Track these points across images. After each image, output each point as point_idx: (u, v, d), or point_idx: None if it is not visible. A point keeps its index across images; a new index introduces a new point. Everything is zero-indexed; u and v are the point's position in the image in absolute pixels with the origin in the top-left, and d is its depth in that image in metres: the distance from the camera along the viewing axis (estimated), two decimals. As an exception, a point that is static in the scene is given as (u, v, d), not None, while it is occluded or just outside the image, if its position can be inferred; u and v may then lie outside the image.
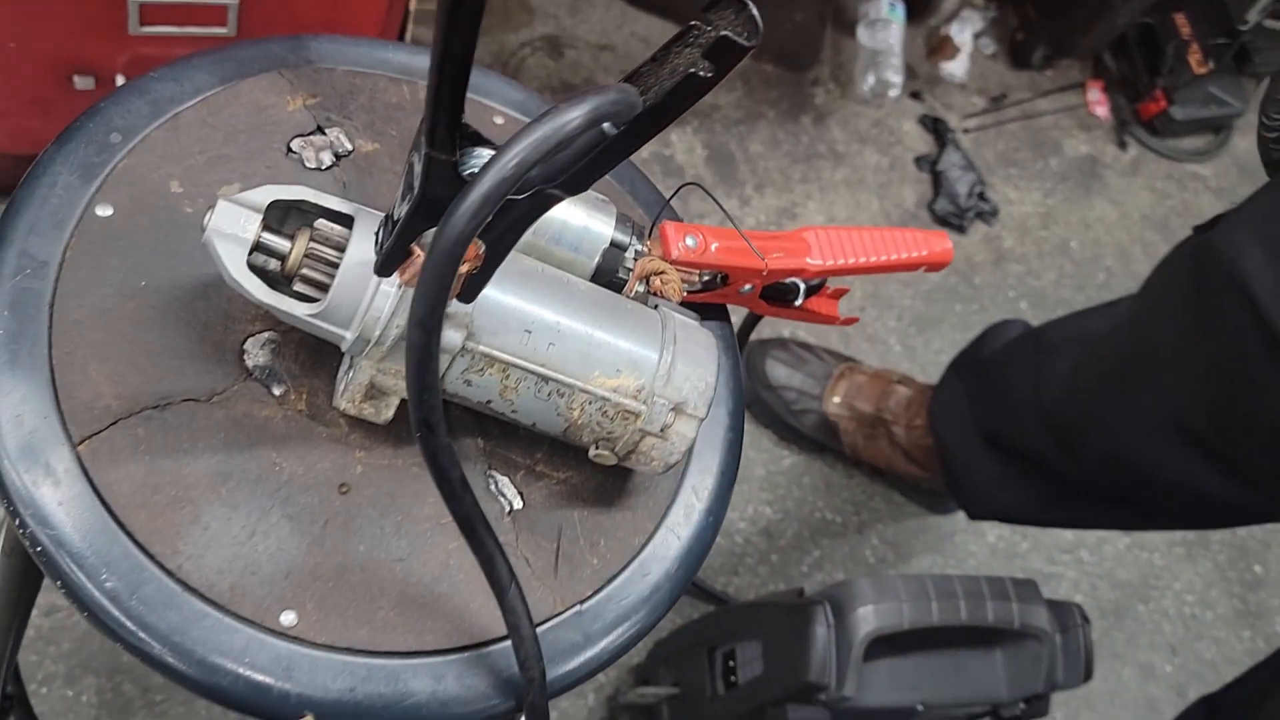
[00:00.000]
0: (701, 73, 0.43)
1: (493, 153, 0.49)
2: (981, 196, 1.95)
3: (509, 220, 0.49)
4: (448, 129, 0.45)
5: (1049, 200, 2.04)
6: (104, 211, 0.63)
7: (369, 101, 0.72)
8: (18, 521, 0.56)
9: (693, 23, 0.44)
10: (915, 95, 2.02)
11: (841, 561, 1.62)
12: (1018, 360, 1.30)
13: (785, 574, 1.58)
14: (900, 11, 1.95)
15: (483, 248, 0.52)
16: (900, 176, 1.95)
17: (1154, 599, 1.77)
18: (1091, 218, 2.05)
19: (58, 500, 0.56)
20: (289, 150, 0.69)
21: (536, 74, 1.81)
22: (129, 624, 0.55)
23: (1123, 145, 2.14)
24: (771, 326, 1.71)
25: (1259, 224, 0.92)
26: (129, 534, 0.57)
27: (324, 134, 0.70)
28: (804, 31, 1.89)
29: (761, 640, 1.15)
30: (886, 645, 1.11)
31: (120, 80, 1.27)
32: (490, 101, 0.76)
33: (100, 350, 0.60)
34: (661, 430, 0.60)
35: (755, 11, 0.42)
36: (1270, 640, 1.78)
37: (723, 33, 0.41)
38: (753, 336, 1.68)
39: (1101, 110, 2.16)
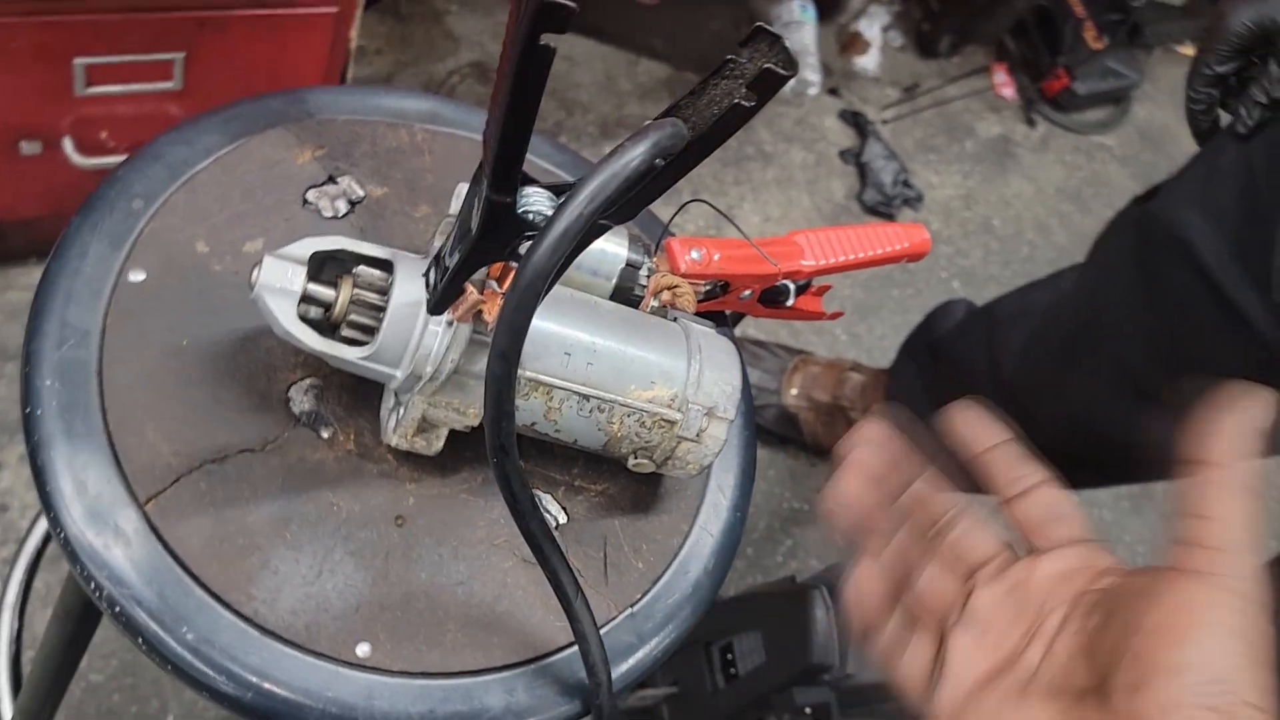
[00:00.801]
0: (744, 102, 0.46)
1: (540, 190, 0.52)
2: (906, 184, 2.03)
3: (561, 252, 0.52)
4: (510, 175, 0.48)
5: (968, 181, 2.12)
6: (137, 277, 0.65)
7: (371, 148, 0.75)
8: (92, 584, 0.58)
9: (729, 57, 0.48)
10: (833, 91, 2.09)
11: (814, 548, 1.67)
12: (970, 337, 1.37)
13: (762, 565, 1.63)
14: (811, 12, 2.02)
15: (532, 280, 0.55)
16: (827, 171, 2.01)
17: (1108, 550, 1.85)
18: (1009, 195, 2.15)
19: (130, 560, 0.58)
20: (305, 201, 0.71)
21: (468, 100, 1.83)
22: (212, 673, 0.57)
23: (1031, 123, 2.24)
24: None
25: (1196, 190, 0.99)
26: (203, 585, 0.59)
27: (336, 183, 0.72)
28: (721, 39, 1.95)
29: (761, 630, 1.19)
30: (880, 621, 1.16)
31: (68, 142, 1.27)
32: (455, 130, 0.79)
33: (153, 411, 0.62)
34: (697, 435, 0.64)
35: (788, 44, 0.46)
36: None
37: (766, 65, 0.45)
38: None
39: (1008, 91, 2.25)
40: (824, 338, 1.83)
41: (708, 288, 0.75)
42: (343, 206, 0.71)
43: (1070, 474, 1.36)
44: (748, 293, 0.76)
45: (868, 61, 2.12)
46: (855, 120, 2.06)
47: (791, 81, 1.99)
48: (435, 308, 0.57)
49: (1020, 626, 0.47)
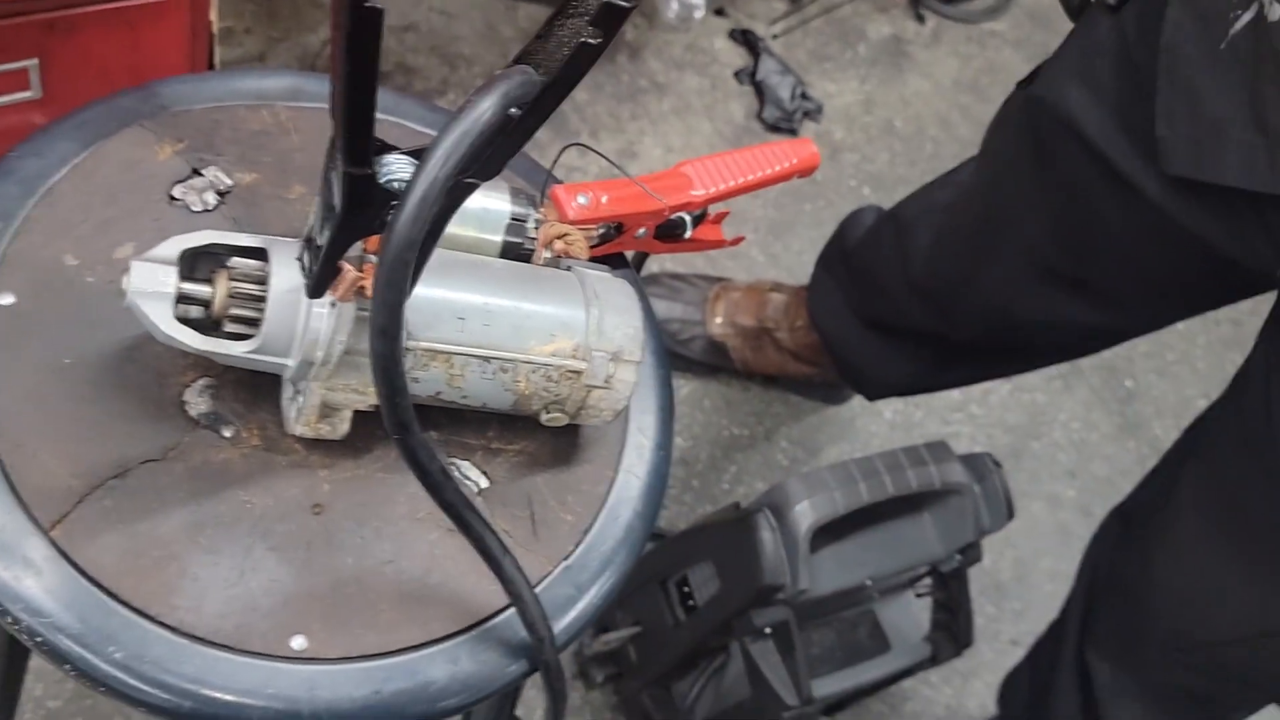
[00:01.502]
0: (591, 40, 0.45)
1: (401, 157, 0.51)
2: (804, 96, 2.02)
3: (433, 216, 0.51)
4: (362, 146, 0.47)
5: (865, 86, 2.12)
6: (6, 300, 0.63)
7: (234, 134, 0.72)
8: (9, 619, 0.56)
9: (569, -4, 0.46)
10: (719, 12, 2.07)
11: (758, 471, 1.69)
12: (880, 243, 1.37)
13: (709, 495, 1.65)
14: (688, -66, 1.99)
15: (409, 249, 0.54)
16: (724, 94, 2.00)
17: (1044, 434, 1.89)
18: (908, 94, 2.15)
19: (44, 588, 0.56)
20: (172, 199, 0.69)
21: (351, 69, 1.79)
22: (146, 688, 0.56)
23: (920, 19, 2.23)
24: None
25: (1075, 67, 1.00)
26: (123, 602, 0.57)
27: (201, 175, 0.70)
28: (602, -27, 1.91)
29: (712, 560, 1.21)
30: (827, 534, 1.18)
31: (-66, 166, 1.22)
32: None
33: (44, 434, 0.60)
34: (605, 381, 0.64)
35: (627, -25, 0.45)
36: (1153, 445, 1.93)
37: (605, 0, 0.44)
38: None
39: (894, -10, 2.24)
40: (741, 261, 1.83)
41: (601, 231, 0.74)
42: (212, 199, 0.69)
43: (996, 364, 1.39)
44: (643, 231, 0.75)
45: (750, -23, 2.10)
46: (745, 39, 2.04)
47: (675, 6, 1.97)
48: (313, 291, 0.55)
49: None
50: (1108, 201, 0.99)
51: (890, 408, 1.80)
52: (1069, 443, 1.90)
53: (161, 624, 0.58)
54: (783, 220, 1.90)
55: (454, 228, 0.65)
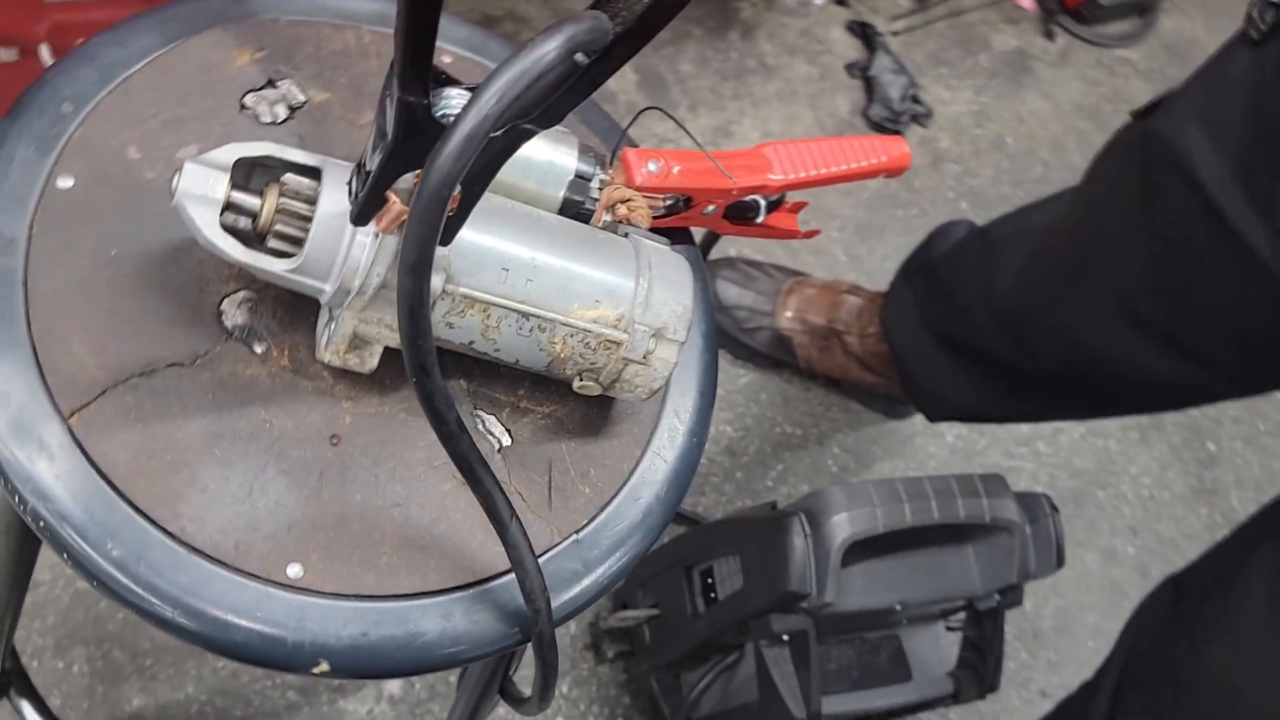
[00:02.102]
0: (672, -4, 0.43)
1: (463, 92, 0.49)
2: (915, 99, 1.97)
3: (485, 159, 0.50)
4: (420, 72, 0.45)
5: (981, 97, 2.06)
6: (65, 183, 0.62)
7: (315, 51, 0.71)
8: (16, 498, 0.56)
9: (658, -53, 0.44)
10: (841, 2, 2.02)
11: (804, 473, 1.65)
12: (967, 260, 1.33)
13: (750, 490, 1.62)
14: (822, -81, 1.95)
15: (458, 189, 0.52)
16: (832, 85, 1.95)
17: (1112, 484, 1.83)
18: (1024, 111, 2.08)
19: (54, 474, 0.56)
20: (243, 106, 0.68)
21: (455, 9, 1.78)
22: (139, 590, 0.56)
23: (1050, 36, 2.16)
24: (718, 247, 1.72)
25: (1200, 107, 0.94)
26: (129, 502, 0.57)
27: (276, 87, 0.69)
28: (729, -54, 1.88)
29: (739, 555, 1.18)
30: (863, 549, 1.15)
31: (44, 50, 1.23)
32: (454, 47, 0.76)
33: (80, 322, 0.59)
34: (644, 357, 0.62)
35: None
36: (1228, 515, 1.85)
37: (690, -44, 0.42)
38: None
39: (1027, 2, 2.17)
40: (823, 259, 1.80)
41: (669, 202, 0.72)
42: (282, 112, 0.68)
43: (1067, 403, 1.33)
44: (712, 208, 0.73)
45: (879, -29, 2.05)
46: (863, 32, 1.99)
47: (798, -9, 1.93)
48: (357, 218, 0.54)
49: None
50: (1213, 254, 0.94)
51: (953, 432, 1.75)
52: (1136, 498, 1.83)
53: (163, 529, 0.57)
54: (872, 223, 1.86)
55: (515, 178, 0.64)
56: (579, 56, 0.45)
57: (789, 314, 1.61)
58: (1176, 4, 2.32)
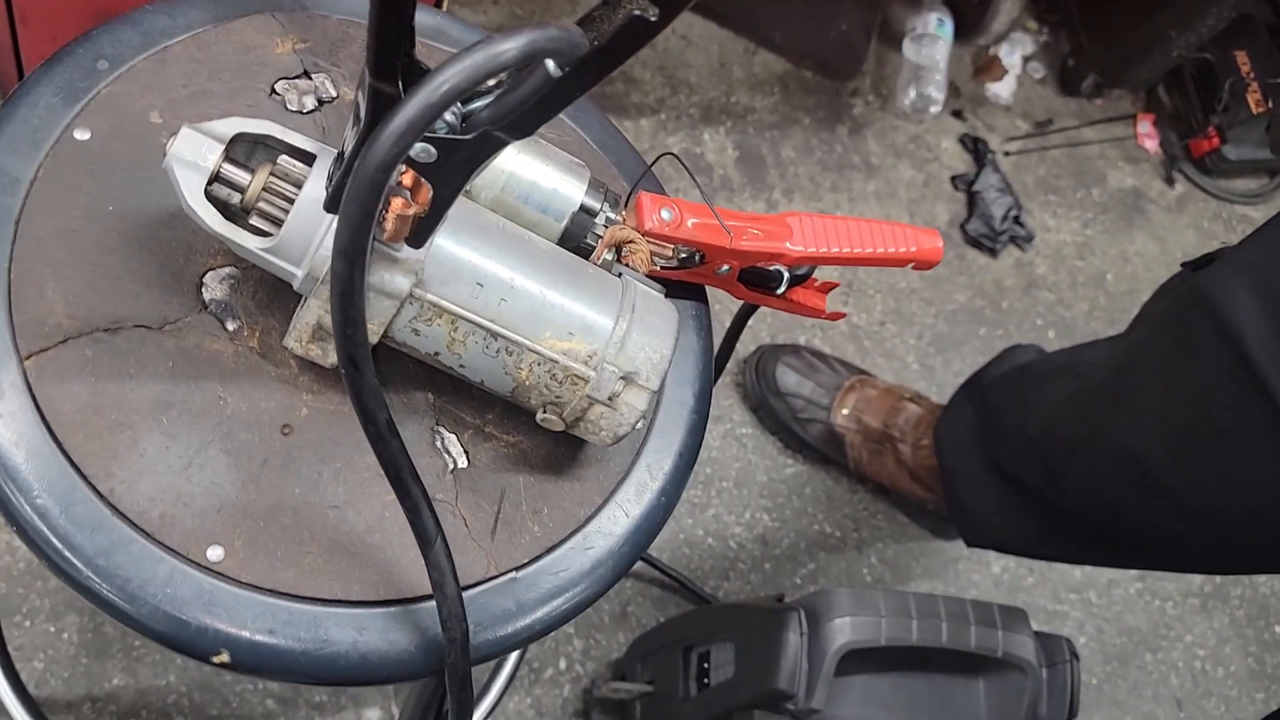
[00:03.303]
0: (648, 16, 0.41)
1: (442, 91, 0.48)
2: (1017, 220, 1.92)
3: (455, 161, 0.48)
4: (391, 60, 0.44)
5: (1088, 230, 2.00)
6: (81, 135, 0.63)
7: (360, 51, 0.72)
8: (-43, 431, 0.56)
9: (642, -34, 0.43)
10: (957, 114, 1.99)
11: (836, 577, 1.59)
12: (1016, 386, 1.27)
13: (777, 583, 1.56)
14: (949, 28, 1.93)
15: (431, 191, 0.51)
16: (934, 194, 1.92)
17: (1163, 649, 1.72)
18: (1131, 252, 2.01)
19: (-2, 412, 0.56)
20: (273, 91, 0.68)
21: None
22: (55, 541, 0.55)
23: (1170, 181, 2.10)
24: (788, 332, 1.69)
25: (1256, 271, 0.88)
26: (65, 453, 0.56)
27: (310, 79, 0.69)
28: (847, 41, 1.87)
29: (735, 643, 1.14)
30: (862, 660, 1.09)
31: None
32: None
33: (59, 269, 0.60)
34: (610, 399, 0.59)
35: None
36: (1282, 706, 1.73)
37: (666, -25, 0.40)
38: (768, 340, 1.67)
39: (1150, 144, 2.12)
40: (894, 363, 1.75)
41: (683, 255, 0.70)
42: (310, 103, 0.69)
43: (1104, 550, 1.25)
44: (726, 268, 0.71)
45: (1001, 89, 2.01)
46: (975, 146, 1.96)
47: (912, 95, 1.91)
48: (330, 204, 0.53)
49: None
50: (1246, 422, 0.87)
51: (1000, 563, 1.67)
52: (1188, 668, 1.72)
53: (92, 486, 0.56)
54: (951, 336, 1.81)
55: (517, 201, 0.63)
56: (551, 66, 0.43)
57: (845, 411, 1.57)
58: (1312, 168, 2.23)
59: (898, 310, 1.80)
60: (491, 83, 0.46)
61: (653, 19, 0.41)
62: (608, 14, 0.44)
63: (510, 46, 0.41)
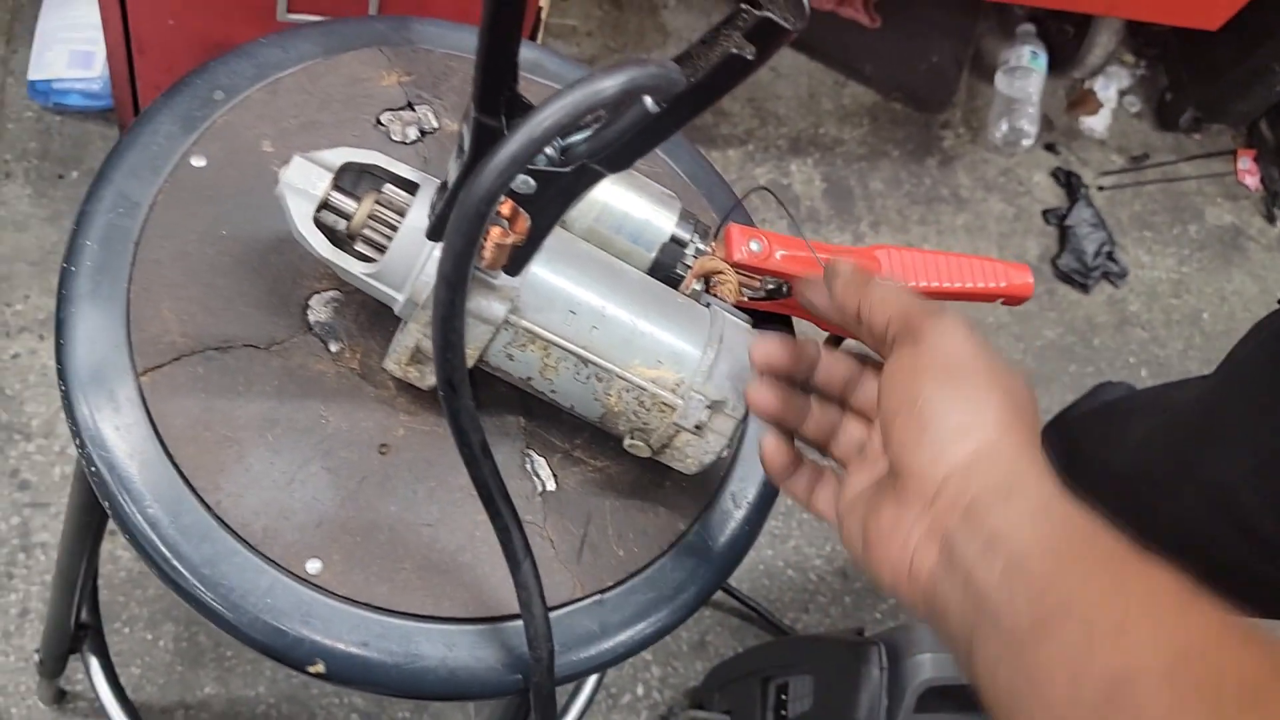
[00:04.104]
0: (744, 54, 0.43)
1: (543, 125, 0.50)
2: (1110, 256, 1.89)
3: (552, 192, 0.50)
4: (496, 95, 0.46)
5: (1184, 268, 1.96)
6: (198, 162, 0.66)
7: (462, 84, 0.74)
8: (78, 441, 0.59)
9: (742, 5, 0.44)
10: (1049, 147, 1.97)
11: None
12: (1099, 422, 1.25)
13: (857, 617, 1.55)
14: (1042, 61, 1.91)
15: (529, 221, 0.53)
16: (1025, 228, 1.90)
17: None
18: (1228, 290, 1.97)
19: (115, 425, 0.59)
20: (378, 122, 0.71)
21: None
22: (164, 550, 0.58)
23: (1271, 219, 2.05)
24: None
25: None
26: (176, 466, 0.59)
27: (413, 110, 0.72)
28: (938, 73, 1.87)
29: (814, 676, 1.13)
30: (943, 698, 1.08)
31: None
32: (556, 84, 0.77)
33: (175, 290, 0.63)
34: (697, 427, 0.60)
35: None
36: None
37: (765, 14, 0.42)
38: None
39: (1251, 180, 2.07)
40: (980, 398, 1.73)
41: (771, 286, 0.70)
42: (413, 133, 0.71)
43: None
44: (813, 300, 0.71)
45: (1096, 122, 1.99)
46: (1068, 180, 1.93)
47: (1005, 128, 1.90)
48: (433, 233, 0.55)
49: None
50: None
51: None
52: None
53: (201, 498, 0.59)
54: (1041, 373, 1.78)
55: (609, 231, 0.64)
56: (649, 102, 0.45)
57: None
58: None
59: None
60: (590, 117, 0.48)
61: (750, 57, 0.43)
62: (705, 51, 0.45)
63: (610, 84, 0.42)
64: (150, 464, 0.59)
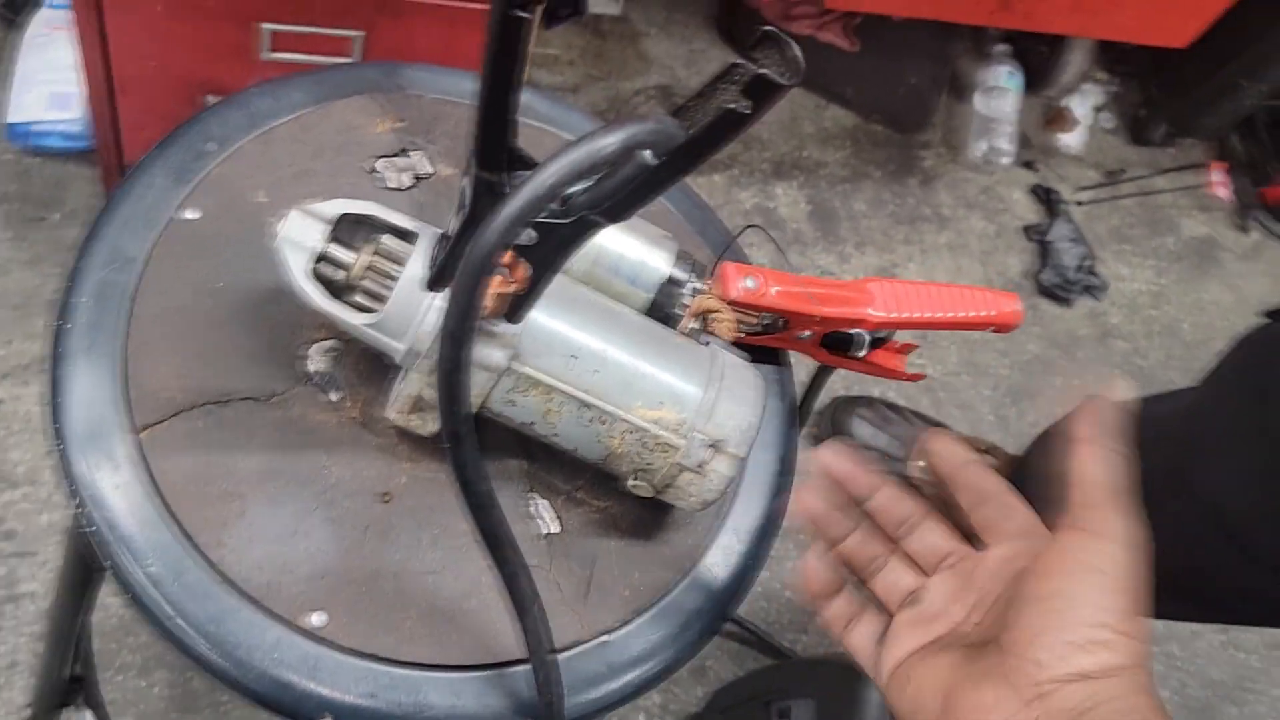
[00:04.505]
0: (740, 109, 0.43)
1: (541, 177, 0.50)
2: (1090, 270, 1.91)
3: (553, 243, 0.50)
4: (495, 151, 0.47)
5: (1161, 279, 1.98)
6: (192, 215, 0.66)
7: (454, 128, 0.75)
8: (76, 500, 0.59)
9: (736, 61, 0.44)
10: (1028, 165, 1.99)
11: (914, 631, 1.58)
12: None
13: (854, 638, 1.55)
14: (1018, 80, 1.93)
15: (529, 270, 0.53)
16: (1006, 244, 1.92)
17: (1248, 703, 1.68)
18: (1205, 300, 1.99)
19: (114, 484, 0.59)
20: (372, 170, 0.71)
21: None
22: (167, 608, 0.57)
23: (1244, 229, 2.07)
24: (862, 383, 1.69)
25: None
26: (178, 522, 0.59)
27: (407, 156, 0.72)
28: (917, 95, 1.89)
29: (816, 699, 1.13)
30: None
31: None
32: (562, 132, 0.78)
33: (172, 344, 0.63)
34: (699, 466, 0.60)
35: (798, 52, 0.43)
36: (1372, 762, 1.67)
37: (760, 71, 0.42)
38: (843, 392, 1.67)
39: (1223, 192, 2.09)
40: (969, 414, 1.74)
41: (766, 321, 0.71)
42: (407, 180, 0.71)
43: (1177, 604, 1.21)
44: (807, 333, 0.72)
45: (1072, 139, 2.01)
46: (1047, 197, 1.95)
47: (983, 147, 1.91)
48: (433, 284, 0.55)
49: (964, 605, 0.54)
50: None
51: (1080, 618, 1.65)
52: (1274, 722, 1.68)
53: (203, 555, 0.59)
54: (1026, 387, 1.79)
55: (607, 273, 0.65)
56: (647, 155, 0.45)
57: (920, 464, 1.56)
58: (1395, 213, 2.19)
59: (972, 361, 1.79)
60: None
61: (745, 111, 0.43)
62: (701, 105, 0.46)
63: (611, 141, 0.42)
64: (151, 522, 0.59)
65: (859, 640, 0.57)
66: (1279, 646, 1.71)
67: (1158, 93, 2.05)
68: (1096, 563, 0.48)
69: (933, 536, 0.57)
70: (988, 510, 0.55)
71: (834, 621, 0.59)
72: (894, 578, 0.57)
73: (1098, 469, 0.51)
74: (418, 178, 0.72)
